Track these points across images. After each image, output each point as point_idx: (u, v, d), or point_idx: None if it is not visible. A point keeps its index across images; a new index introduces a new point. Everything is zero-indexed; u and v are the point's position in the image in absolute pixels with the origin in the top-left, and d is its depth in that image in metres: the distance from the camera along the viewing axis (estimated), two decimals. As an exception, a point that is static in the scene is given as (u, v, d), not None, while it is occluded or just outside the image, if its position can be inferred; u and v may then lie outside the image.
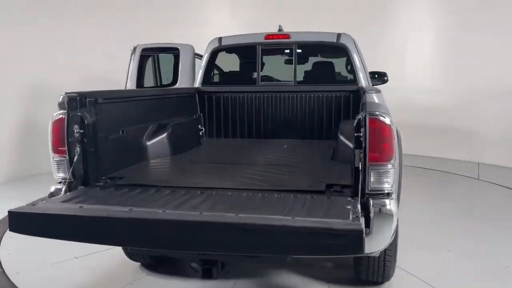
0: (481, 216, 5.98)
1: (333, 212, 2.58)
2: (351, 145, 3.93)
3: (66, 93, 3.25)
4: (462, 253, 4.65)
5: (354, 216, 2.49)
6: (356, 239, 2.23)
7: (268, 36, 5.78)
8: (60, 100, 3.26)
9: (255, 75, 5.91)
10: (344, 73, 5.87)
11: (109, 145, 3.66)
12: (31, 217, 2.63)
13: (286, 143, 5.35)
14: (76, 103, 3.24)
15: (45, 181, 3.55)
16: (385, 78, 6.40)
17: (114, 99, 3.88)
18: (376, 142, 2.81)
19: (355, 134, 2.90)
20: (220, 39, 5.96)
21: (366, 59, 5.63)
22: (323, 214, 2.55)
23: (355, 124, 2.94)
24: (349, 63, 5.60)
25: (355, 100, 5.49)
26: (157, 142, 4.41)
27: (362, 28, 8.39)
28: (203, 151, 4.86)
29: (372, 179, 2.84)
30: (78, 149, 3.24)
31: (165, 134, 4.49)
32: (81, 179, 3.30)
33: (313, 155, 4.58)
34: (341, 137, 4.14)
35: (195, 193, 3.07)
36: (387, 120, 2.81)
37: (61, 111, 3.25)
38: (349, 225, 2.31)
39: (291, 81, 5.76)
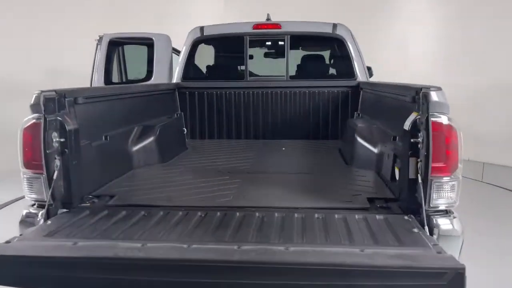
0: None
1: (404, 238, 2.09)
2: (373, 148, 3.49)
3: (41, 91, 2.52)
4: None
5: (432, 244, 2.01)
6: (457, 280, 1.74)
7: (257, 25, 5.21)
8: (34, 101, 2.52)
9: (242, 69, 5.33)
10: (341, 66, 5.41)
11: (93, 155, 2.97)
12: (7, 263, 1.93)
13: (283, 145, 4.82)
14: (54, 104, 2.53)
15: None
16: (370, 72, 5.98)
17: (96, 98, 3.18)
18: (439, 150, 2.34)
19: (412, 140, 2.42)
20: (202, 28, 5.31)
21: (364, 54, 5.20)
22: (395, 242, 2.05)
23: (408, 126, 2.45)
24: (346, 55, 5.15)
25: (353, 96, 5.06)
26: (144, 148, 3.74)
27: (361, 21, 7.72)
28: (194, 156, 4.22)
29: (434, 194, 2.37)
30: (58, 162, 2.54)
31: (152, 138, 3.83)
32: (62, 200, 2.60)
33: (322, 159, 4.08)
34: (360, 140, 3.66)
35: (213, 215, 2.48)
36: (453, 124, 2.34)
37: (35, 114, 2.53)
38: (443, 260, 1.83)
39: (283, 75, 5.23)
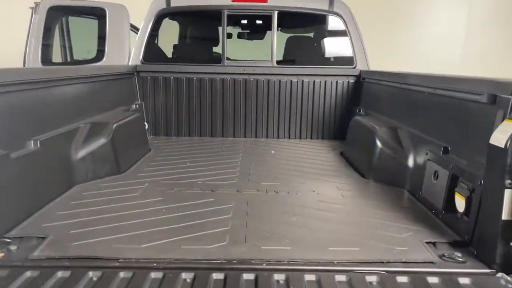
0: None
1: None
2: (404, 160, 2.66)
3: None
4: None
5: None
6: None
7: (238, -3, 4.24)
8: None
9: (218, 51, 4.35)
10: (338, 51, 4.55)
11: (12, 171, 1.95)
12: None
13: (270, 146, 3.92)
14: None
15: None
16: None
17: (21, 84, 2.13)
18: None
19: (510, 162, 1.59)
20: (168, -2, 4.26)
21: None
22: None
23: (506, 142, 1.62)
24: (344, 37, 4.29)
25: (354, 87, 4.23)
26: (92, 155, 2.71)
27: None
28: (160, 163, 3.22)
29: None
30: None
31: (104, 140, 2.81)
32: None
33: (328, 168, 3.20)
34: (384, 147, 2.83)
35: (206, 279, 1.55)
36: None
37: None
38: None
39: (269, 60, 4.30)
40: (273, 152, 3.70)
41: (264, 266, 1.67)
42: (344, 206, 2.38)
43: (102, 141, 2.78)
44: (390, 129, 2.91)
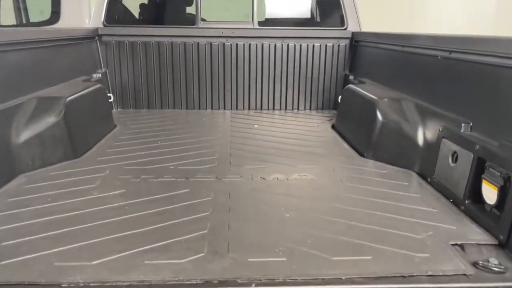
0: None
1: None
2: (414, 138, 2.29)
3: None
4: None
5: None
6: None
7: None
8: None
9: (192, 11, 3.83)
10: (326, 10, 4.08)
11: None
12: None
13: (251, 118, 3.50)
14: None
15: None
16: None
17: None
18: None
19: None
20: None
21: None
22: None
23: None
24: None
25: (346, 52, 3.80)
26: (39, 137, 2.24)
27: None
28: (126, 142, 2.77)
29: None
30: None
31: (55, 119, 2.33)
32: None
33: (317, 144, 2.81)
34: (387, 121, 2.44)
35: None
36: None
37: None
38: None
39: (249, 22, 3.80)
40: (256, 126, 3.27)
41: (253, 287, 1.28)
42: (345, 195, 1.99)
43: (51, 119, 2.30)
44: (392, 100, 2.51)
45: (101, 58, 3.67)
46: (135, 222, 1.67)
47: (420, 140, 2.23)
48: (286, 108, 3.85)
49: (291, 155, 2.56)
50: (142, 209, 1.78)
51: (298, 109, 3.87)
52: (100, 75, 3.54)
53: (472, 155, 1.75)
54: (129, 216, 1.72)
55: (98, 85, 3.08)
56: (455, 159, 1.89)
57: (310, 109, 3.87)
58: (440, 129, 2.04)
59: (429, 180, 2.09)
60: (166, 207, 1.79)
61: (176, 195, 1.93)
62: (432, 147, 2.11)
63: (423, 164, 2.18)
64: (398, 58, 2.79)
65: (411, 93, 2.48)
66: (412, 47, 2.53)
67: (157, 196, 1.91)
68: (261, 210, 1.81)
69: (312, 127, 3.26)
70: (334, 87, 3.80)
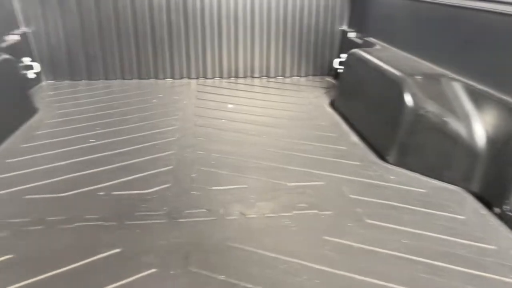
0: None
1: None
2: (469, 139, 1.53)
3: None
4: None
5: None
6: None
7: None
8: None
9: None
10: None
11: None
12: None
13: (227, 95, 2.66)
14: None
15: None
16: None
17: None
18: None
19: None
20: None
21: None
22: None
23: None
24: None
25: (339, 10, 2.93)
26: None
27: None
28: (45, 142, 1.92)
29: None
30: None
31: None
32: None
33: (314, 139, 2.02)
34: (421, 112, 1.66)
35: None
36: None
37: None
38: None
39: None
40: (230, 106, 2.44)
41: None
42: (372, 243, 1.25)
43: None
44: (429, 78, 1.72)
45: (19, 12, 2.71)
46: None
47: (480, 142, 1.48)
48: (268, 75, 3.01)
49: (281, 161, 1.77)
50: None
51: (284, 76, 3.03)
52: (17, 36, 2.60)
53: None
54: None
55: (3, 55, 2.16)
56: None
57: (299, 76, 3.04)
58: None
59: (501, 210, 1.36)
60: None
61: (98, 262, 1.14)
62: (502, 156, 1.36)
63: (485, 180, 1.44)
64: (435, 10, 1.96)
65: (458, 67, 1.69)
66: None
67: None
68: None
69: (303, 105, 2.46)
70: (329, 48, 2.97)
